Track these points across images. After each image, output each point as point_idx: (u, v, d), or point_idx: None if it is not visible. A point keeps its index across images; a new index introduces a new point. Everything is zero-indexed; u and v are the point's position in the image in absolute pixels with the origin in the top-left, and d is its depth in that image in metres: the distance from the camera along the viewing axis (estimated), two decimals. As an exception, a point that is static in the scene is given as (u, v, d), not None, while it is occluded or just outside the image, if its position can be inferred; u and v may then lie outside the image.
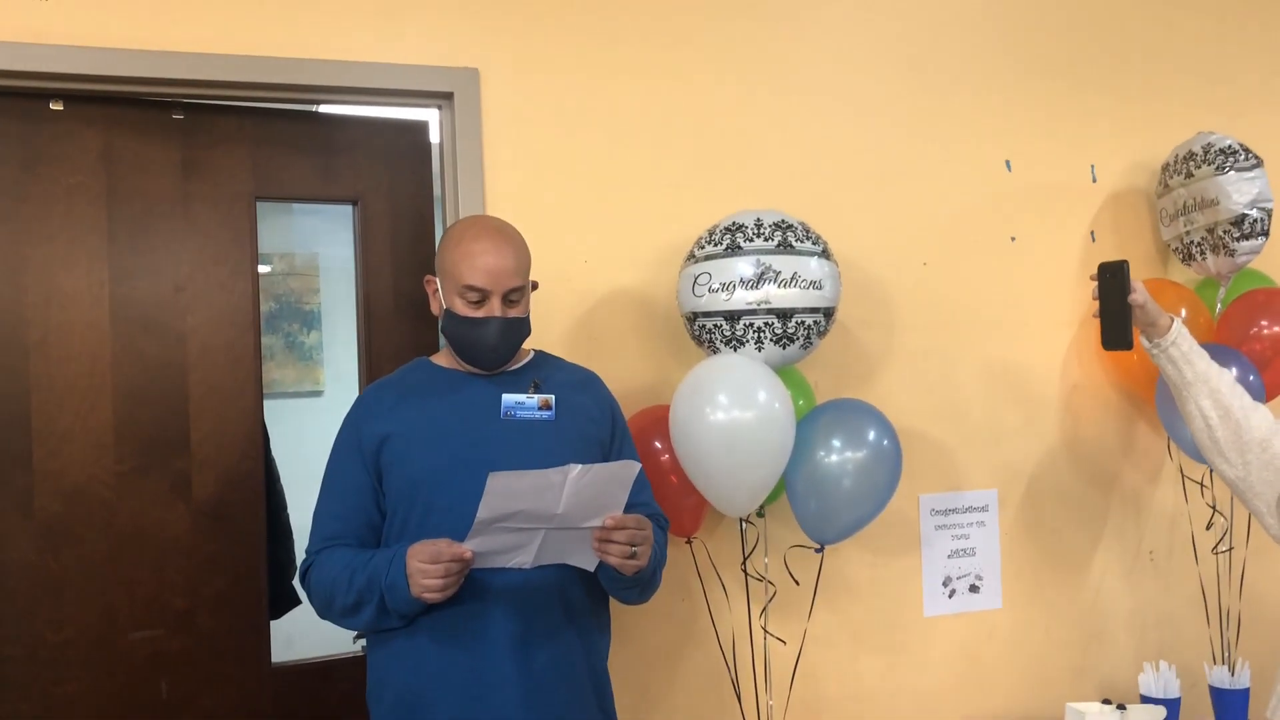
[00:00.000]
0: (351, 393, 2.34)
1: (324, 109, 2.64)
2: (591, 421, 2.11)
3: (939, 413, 2.88)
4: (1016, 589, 2.94)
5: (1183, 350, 2.14)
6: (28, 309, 2.35)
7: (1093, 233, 3.04)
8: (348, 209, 2.69)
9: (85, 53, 2.31)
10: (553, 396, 2.06)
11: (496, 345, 2.00)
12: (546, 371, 2.12)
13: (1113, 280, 2.18)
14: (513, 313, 2.00)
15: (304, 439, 3.24)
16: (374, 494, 2.00)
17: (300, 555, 2.11)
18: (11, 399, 2.34)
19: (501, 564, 1.86)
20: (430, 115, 2.66)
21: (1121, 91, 3.08)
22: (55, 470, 2.36)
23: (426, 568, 1.80)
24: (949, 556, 2.89)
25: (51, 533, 2.35)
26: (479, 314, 1.98)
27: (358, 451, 2.00)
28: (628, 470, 1.82)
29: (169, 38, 2.35)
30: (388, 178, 2.67)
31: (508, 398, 2.03)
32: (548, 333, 2.52)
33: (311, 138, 2.60)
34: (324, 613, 1.99)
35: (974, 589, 2.91)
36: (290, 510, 2.89)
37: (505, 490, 1.73)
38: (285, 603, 2.73)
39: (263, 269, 5.19)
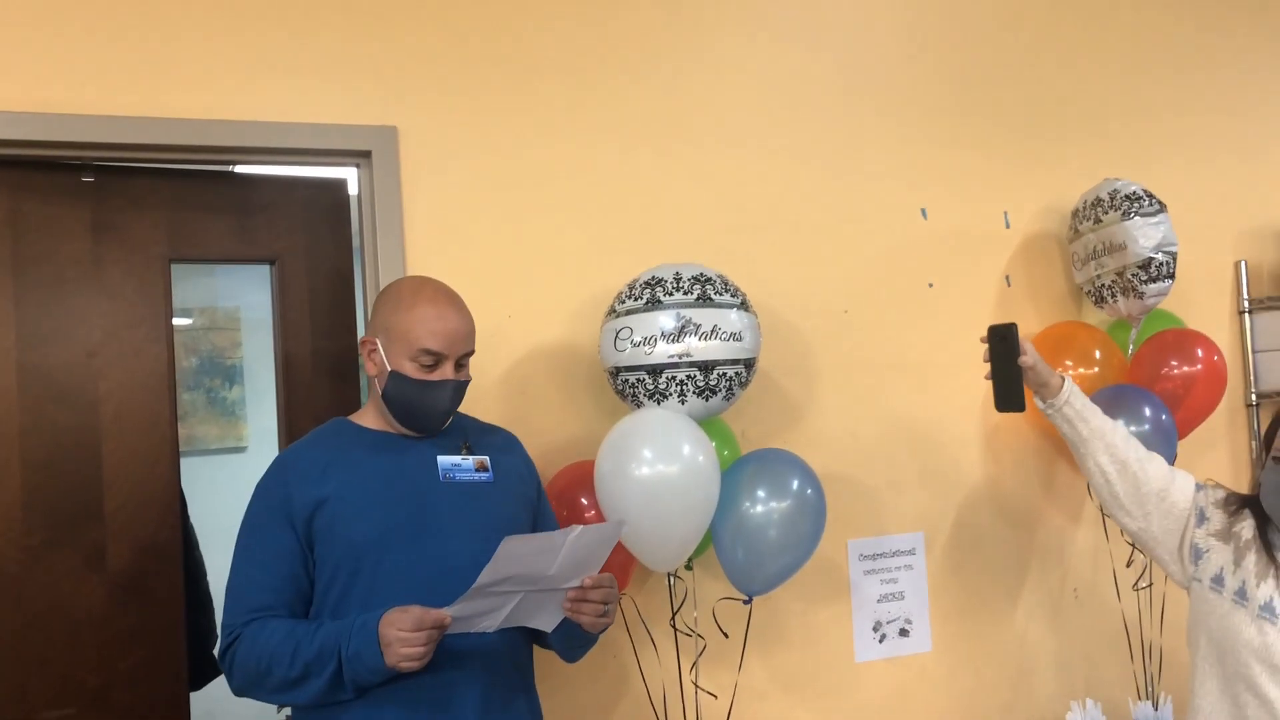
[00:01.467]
0: (276, 449, 2.29)
1: (240, 169, 2.61)
2: (522, 481, 2.11)
3: (864, 457, 2.91)
4: (945, 631, 2.96)
5: (1076, 408, 2.17)
6: (-70, 379, 2.29)
7: (1008, 277, 3.11)
8: (269, 270, 2.67)
9: (-7, 116, 2.27)
10: (487, 458, 2.05)
11: (448, 409, 2.00)
12: (473, 433, 2.11)
13: (1002, 343, 2.20)
14: (461, 376, 2.00)
15: (226, 497, 3.17)
16: (305, 562, 1.92)
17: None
18: (-87, 473, 2.27)
19: (469, 629, 1.82)
20: (349, 173, 2.65)
21: (1032, 140, 3.17)
22: (-40, 545, 2.29)
23: (408, 635, 1.74)
24: (878, 601, 2.91)
25: (-43, 611, 2.28)
26: (432, 377, 1.96)
27: (285, 518, 1.91)
28: (616, 530, 1.84)
29: (78, 100, 2.32)
30: (305, 237, 2.65)
31: (444, 460, 2.01)
32: (472, 389, 2.50)
33: (227, 198, 2.58)
34: (248, 689, 1.90)
35: (904, 633, 2.93)
36: (210, 575, 2.83)
37: (513, 554, 1.71)
38: (206, 673, 2.66)
39: (183, 322, 5.11)
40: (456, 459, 2.02)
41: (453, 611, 1.76)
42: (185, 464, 2.57)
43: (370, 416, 2.07)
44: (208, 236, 2.56)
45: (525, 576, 1.77)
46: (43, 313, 2.39)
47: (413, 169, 2.54)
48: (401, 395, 1.97)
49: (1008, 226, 3.13)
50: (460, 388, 2.00)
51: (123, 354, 2.46)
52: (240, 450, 5.18)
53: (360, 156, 2.54)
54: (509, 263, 2.61)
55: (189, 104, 2.39)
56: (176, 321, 5.03)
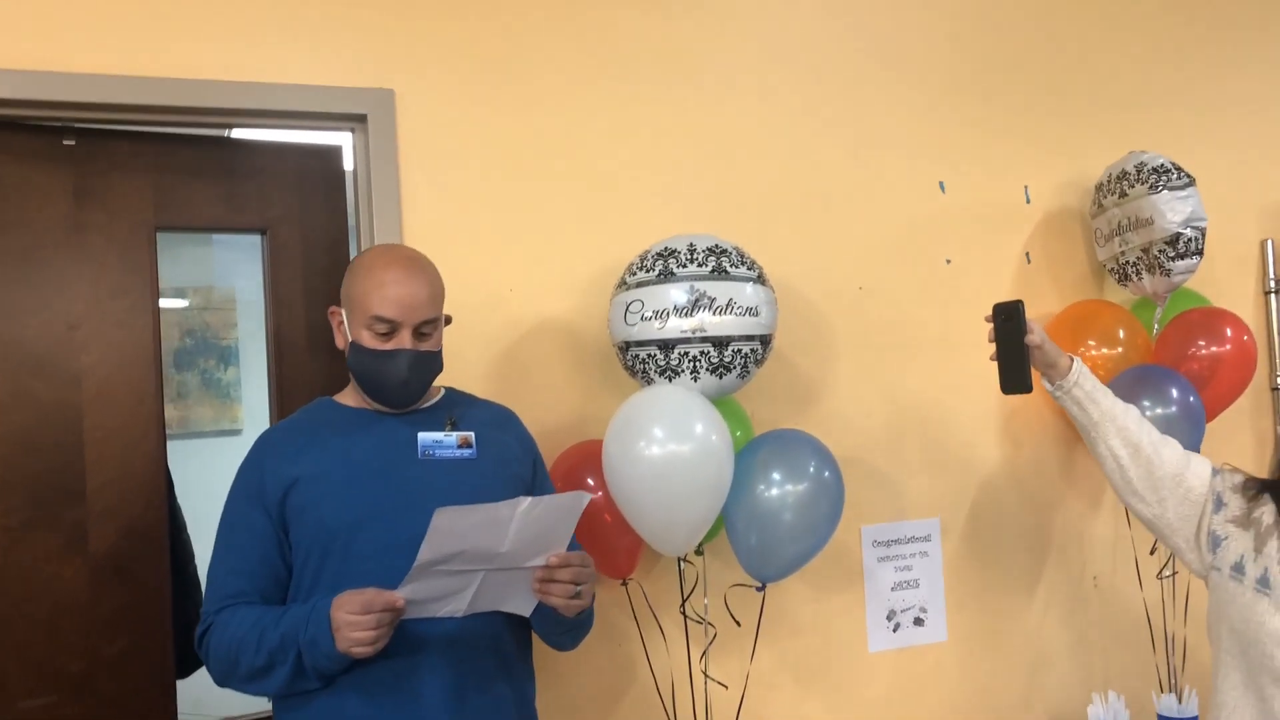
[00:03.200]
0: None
1: (230, 134, 2.49)
2: (514, 459, 1.99)
3: (879, 440, 2.80)
4: (961, 620, 2.86)
5: (1086, 390, 2.06)
6: (-98, 351, 2.17)
7: (1028, 254, 3.00)
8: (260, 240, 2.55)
9: (-35, 74, 2.15)
10: (472, 434, 1.94)
11: (407, 380, 1.87)
12: (461, 409, 2.00)
13: (1008, 322, 2.09)
14: (424, 346, 1.88)
15: (221, 480, 3.05)
16: (279, 545, 1.84)
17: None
18: (-116, 449, 2.15)
19: (432, 613, 1.72)
20: (343, 139, 2.53)
21: (1054, 112, 3.05)
22: (-66, 526, 2.17)
23: (356, 619, 1.65)
24: (892, 589, 2.80)
25: (-70, 594, 2.17)
26: (388, 347, 1.85)
27: (259, 499, 1.85)
28: (577, 502, 1.71)
29: (59, 58, 2.20)
30: (298, 205, 2.53)
31: (424, 436, 1.91)
32: (472, 366, 2.40)
33: (216, 164, 2.46)
34: (224, 679, 1.82)
35: (918, 621, 2.83)
36: (200, 560, 2.71)
37: (451, 527, 1.60)
38: (194, 661, 2.53)
39: (179, 303, 5.01)
40: (438, 435, 1.91)
41: (404, 593, 1.66)
42: (179, 446, 2.47)
43: (351, 395, 1.98)
44: (195, 204, 2.44)
45: (476, 554, 1.65)
46: (20, 282, 2.27)
47: (410, 134, 2.42)
48: (360, 366, 1.88)
49: (1028, 201, 3.01)
50: (420, 359, 1.87)
51: (106, 326, 2.34)
52: (236, 433, 5.07)
53: (355, 121, 2.42)
54: (511, 233, 2.49)
55: (175, 63, 2.27)
56: (171, 303, 4.92)
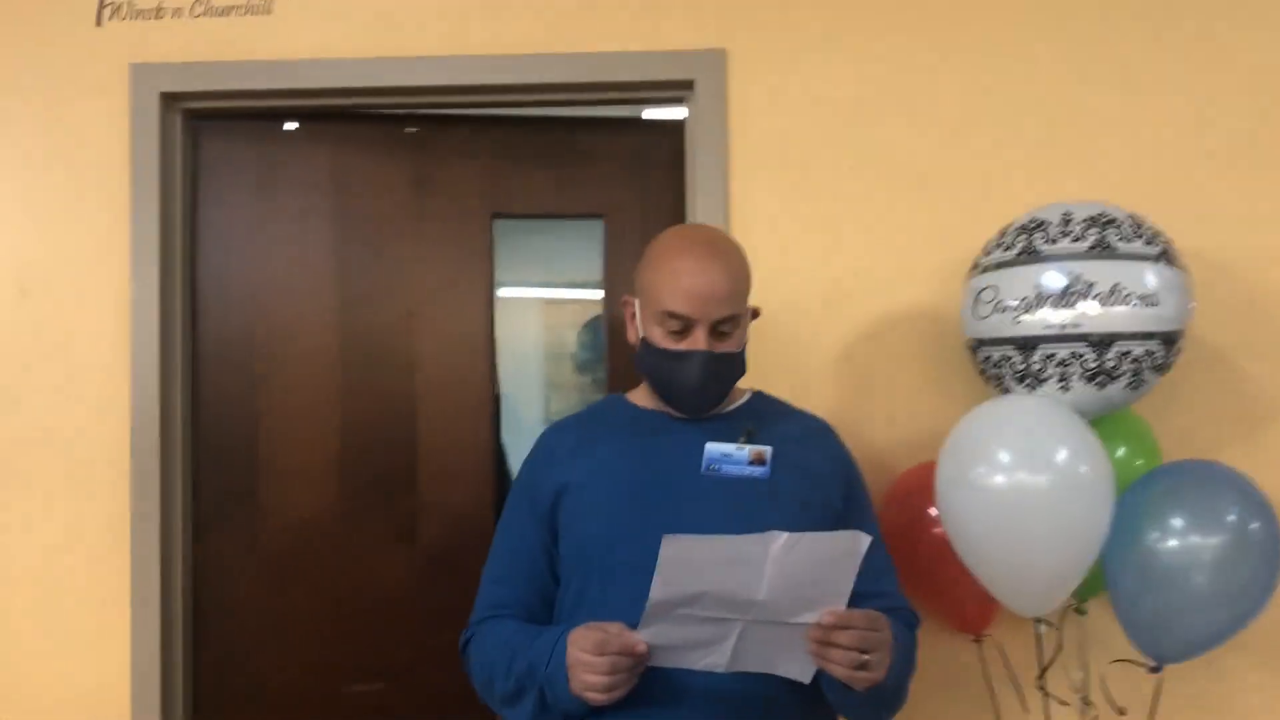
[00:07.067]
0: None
1: (561, 112, 2.36)
2: (816, 483, 1.63)
3: (1371, 478, 2.06)
4: None
5: None
6: (257, 339, 2.29)
7: None
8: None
9: (315, 65, 2.20)
10: (768, 449, 1.61)
11: (699, 387, 1.59)
12: (765, 418, 1.67)
13: None
14: (722, 346, 1.59)
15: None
16: (548, 555, 1.65)
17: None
18: (239, 432, 2.29)
19: (687, 664, 1.43)
20: (677, 112, 2.30)
21: None
22: (279, 506, 2.28)
23: (589, 659, 1.41)
24: (1389, 681, 2.05)
25: (275, 571, 2.28)
26: (680, 346, 1.58)
27: (530, 504, 1.66)
28: (855, 543, 1.34)
29: (395, 44, 2.19)
30: (637, 187, 2.36)
31: (712, 448, 1.61)
32: (805, 367, 2.09)
33: (550, 147, 2.36)
34: (485, 697, 1.66)
35: None
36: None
37: (684, 560, 1.32)
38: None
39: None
40: (729, 448, 1.60)
41: (644, 636, 1.37)
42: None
43: (643, 392, 1.72)
44: (530, 190, 2.36)
45: (725, 597, 1.34)
46: (363, 271, 2.31)
47: (741, 101, 2.13)
48: (648, 367, 1.62)
49: None
50: (717, 361, 1.58)
51: (441, 315, 2.33)
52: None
53: (681, 89, 2.18)
54: (855, 211, 2.13)
55: (499, 40, 2.18)
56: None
